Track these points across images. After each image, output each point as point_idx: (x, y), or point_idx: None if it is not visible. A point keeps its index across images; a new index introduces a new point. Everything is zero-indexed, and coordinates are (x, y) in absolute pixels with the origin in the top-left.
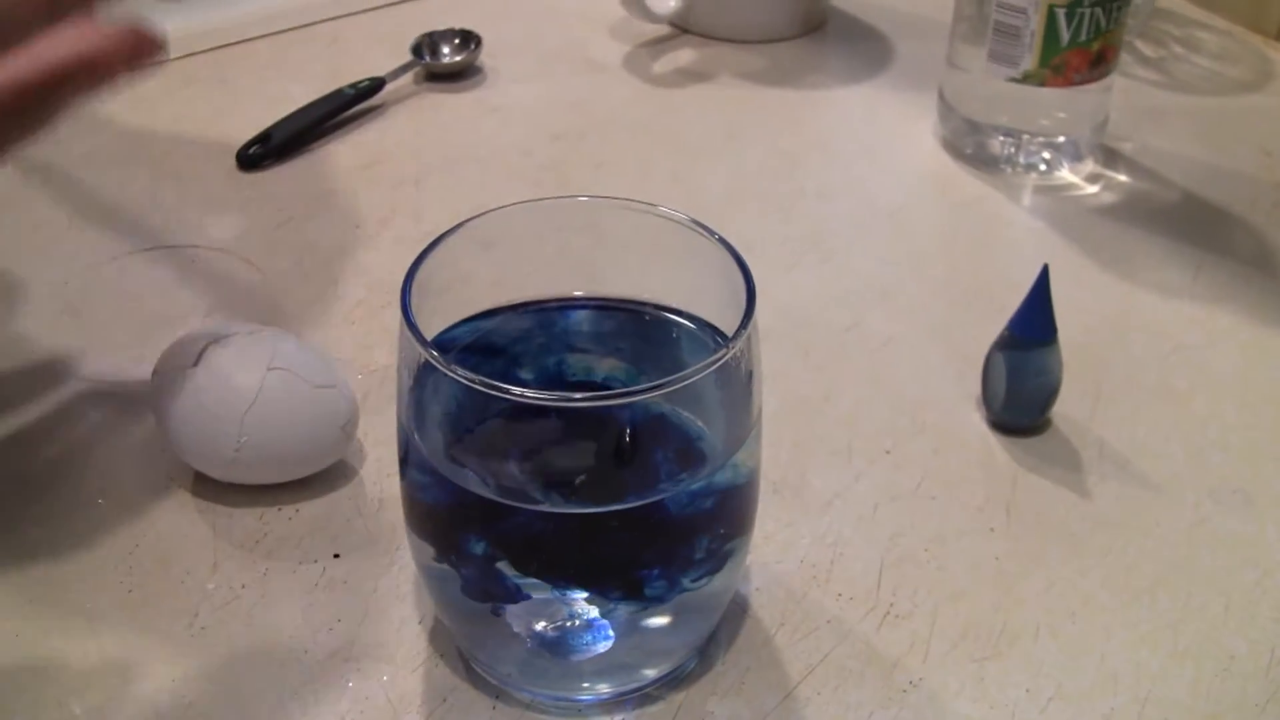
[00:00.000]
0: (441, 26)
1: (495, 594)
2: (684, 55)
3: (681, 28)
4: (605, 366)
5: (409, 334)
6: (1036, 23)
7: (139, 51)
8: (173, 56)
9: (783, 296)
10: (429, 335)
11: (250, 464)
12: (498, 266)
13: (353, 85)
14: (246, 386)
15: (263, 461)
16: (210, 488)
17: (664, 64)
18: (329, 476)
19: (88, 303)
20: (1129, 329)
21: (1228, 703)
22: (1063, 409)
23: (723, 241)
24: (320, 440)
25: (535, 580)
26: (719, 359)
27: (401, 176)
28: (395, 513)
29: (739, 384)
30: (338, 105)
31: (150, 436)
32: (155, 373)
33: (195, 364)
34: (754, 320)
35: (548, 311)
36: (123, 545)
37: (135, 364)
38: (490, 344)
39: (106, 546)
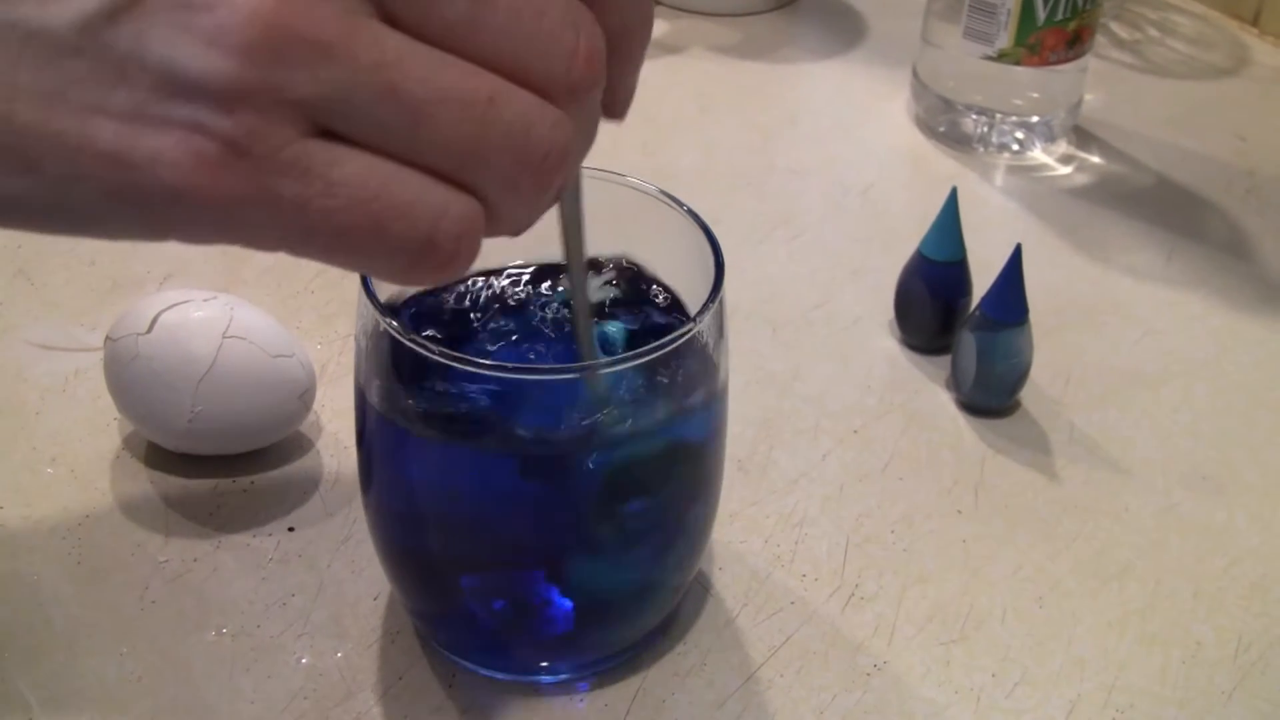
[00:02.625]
0: None
1: (453, 567)
2: (656, 27)
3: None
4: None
5: (367, 302)
6: (1013, 1)
7: None
8: None
9: (752, 273)
10: (388, 303)
11: (204, 434)
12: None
13: None
14: (201, 355)
15: (217, 432)
16: (163, 458)
17: None
18: (285, 448)
19: (41, 267)
20: (1100, 312)
21: (1195, 689)
22: (1033, 391)
23: (692, 214)
24: (277, 411)
25: (493, 552)
26: (686, 332)
27: None
28: (352, 486)
29: (705, 358)
30: None
31: (103, 404)
32: (108, 339)
33: (149, 331)
34: (722, 293)
35: (513, 276)
36: (72, 516)
37: (88, 330)
38: (452, 312)
39: (55, 517)
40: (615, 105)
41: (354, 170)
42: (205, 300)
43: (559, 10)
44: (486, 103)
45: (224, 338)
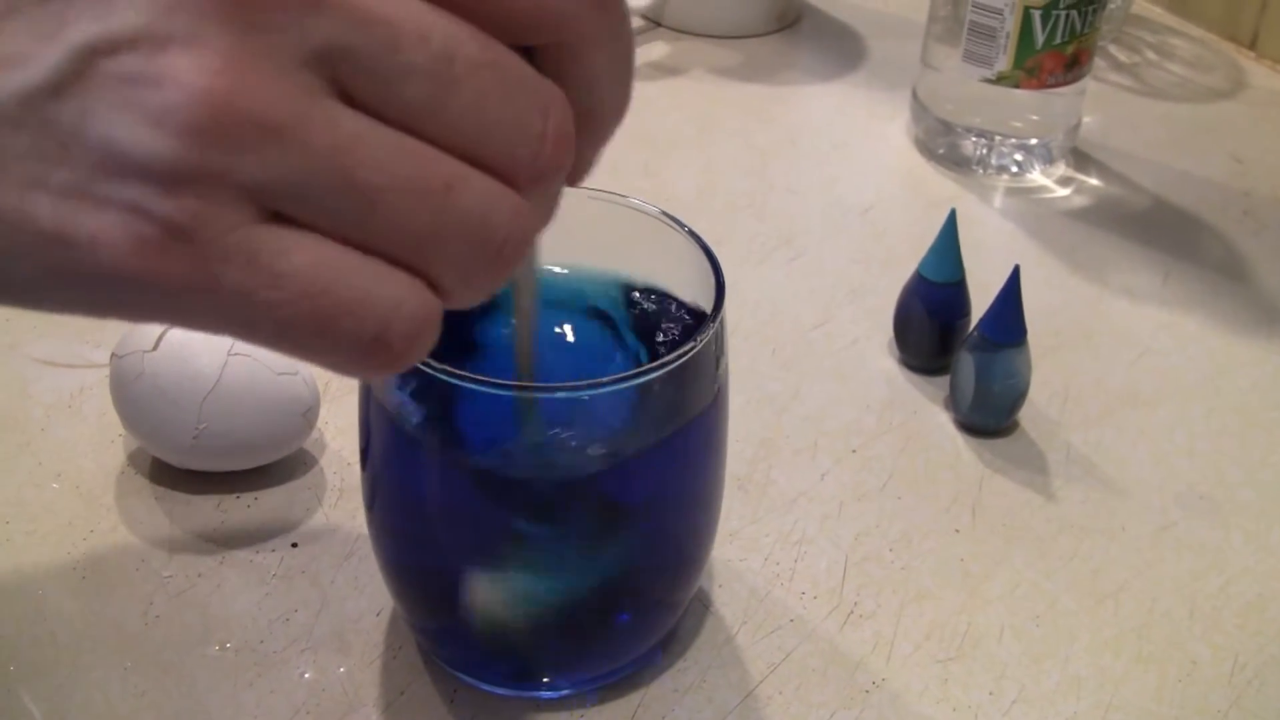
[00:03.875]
0: None
1: (455, 583)
2: (657, 49)
3: (655, 21)
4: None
5: None
6: (1012, 24)
7: None
8: None
9: (751, 293)
10: None
11: (209, 451)
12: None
13: None
14: (206, 372)
15: (222, 449)
16: (168, 474)
17: (637, 57)
18: (289, 465)
19: None
20: (1098, 333)
21: (1191, 709)
22: (1030, 411)
23: (693, 234)
24: (281, 428)
25: (497, 567)
26: (687, 352)
27: None
28: (355, 502)
29: (706, 377)
30: None
31: (108, 420)
32: (114, 356)
33: (154, 348)
34: (723, 313)
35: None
36: (77, 531)
37: (94, 347)
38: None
39: (60, 532)
40: (573, 177)
41: (302, 262)
42: None
43: (528, 94)
44: (444, 190)
45: (229, 355)
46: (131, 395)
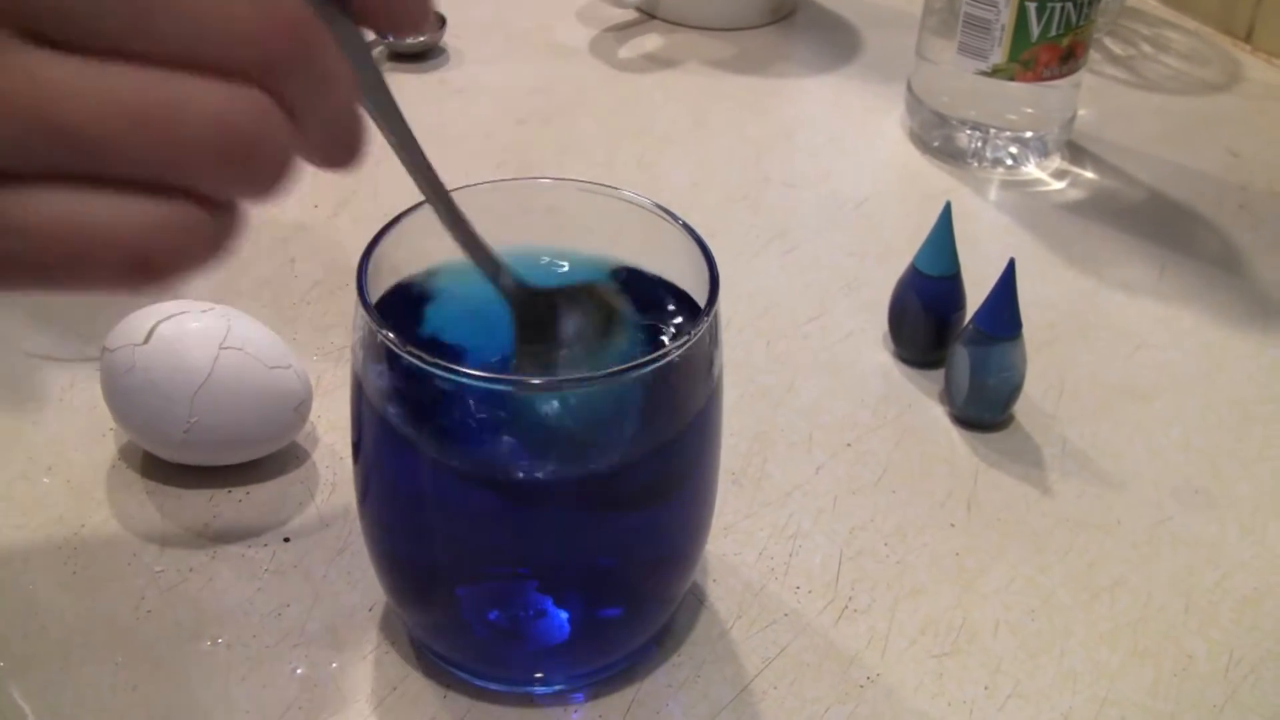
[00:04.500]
0: None
1: (448, 578)
2: (651, 41)
3: (649, 13)
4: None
5: (364, 314)
6: (1007, 16)
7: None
8: None
9: (746, 286)
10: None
11: (201, 445)
12: (457, 248)
13: None
14: (198, 365)
15: (214, 443)
16: (159, 468)
17: (631, 49)
18: (280, 459)
19: None
20: (1093, 326)
21: (1186, 703)
22: (1026, 405)
23: (686, 227)
24: (273, 422)
25: (488, 563)
26: (681, 345)
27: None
28: (347, 496)
29: (700, 371)
30: None
31: (99, 414)
32: (105, 350)
33: (146, 341)
34: (717, 306)
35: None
36: (68, 525)
37: (84, 341)
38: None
39: (51, 526)
40: (405, 21)
41: (45, 213)
42: (203, 311)
43: None
44: (167, 110)
45: (220, 349)
46: (122, 389)
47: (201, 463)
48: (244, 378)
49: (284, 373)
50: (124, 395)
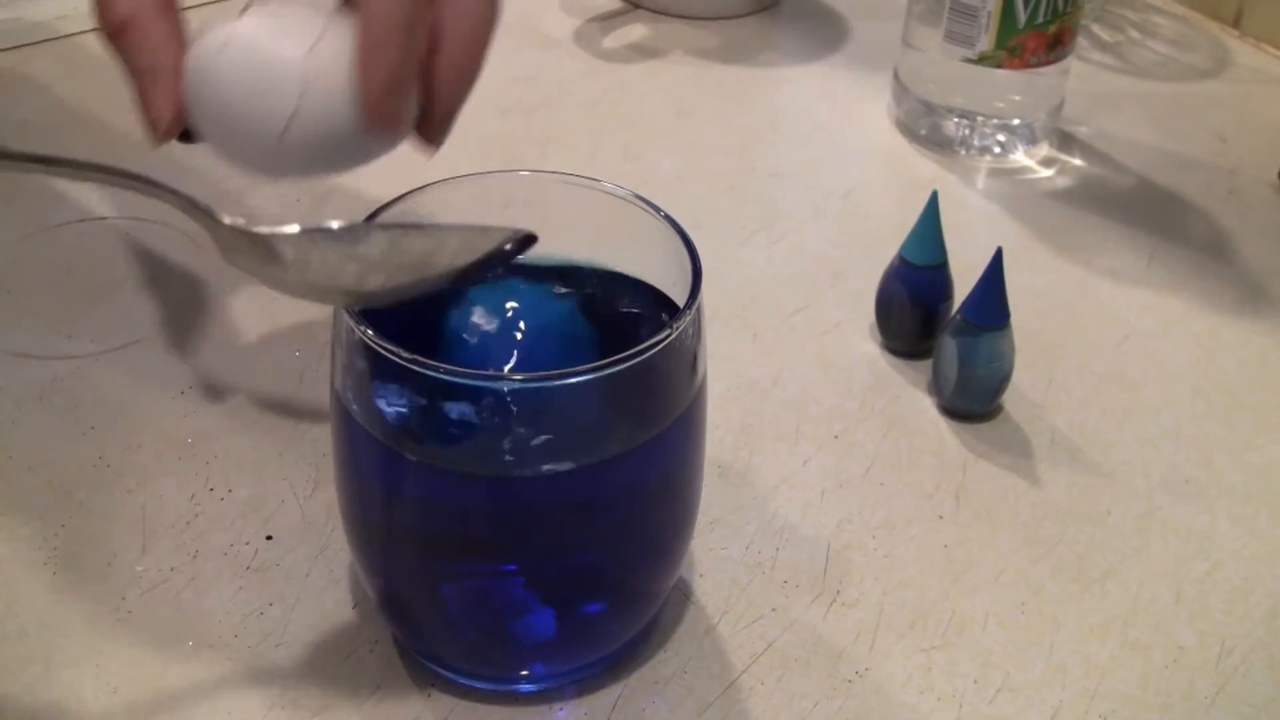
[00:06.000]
0: None
1: (432, 576)
2: (636, 31)
3: (633, 3)
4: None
5: (342, 310)
6: (993, 3)
7: None
8: None
9: (732, 277)
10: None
11: (304, 142)
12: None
13: None
14: (306, 32)
15: (322, 137)
16: (140, 467)
17: (615, 39)
18: (262, 455)
19: (17, 275)
20: (1082, 315)
21: (1177, 695)
22: (1014, 395)
23: (668, 218)
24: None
25: (475, 561)
26: (664, 339)
27: None
28: (330, 495)
29: (684, 364)
30: None
31: (80, 413)
32: (191, 54)
33: (242, 13)
34: (700, 299)
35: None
36: (48, 524)
37: (65, 338)
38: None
39: (31, 525)
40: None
41: None
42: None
43: None
44: None
45: (325, 27)
46: (212, 74)
47: (302, 168)
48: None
49: None
50: (214, 82)
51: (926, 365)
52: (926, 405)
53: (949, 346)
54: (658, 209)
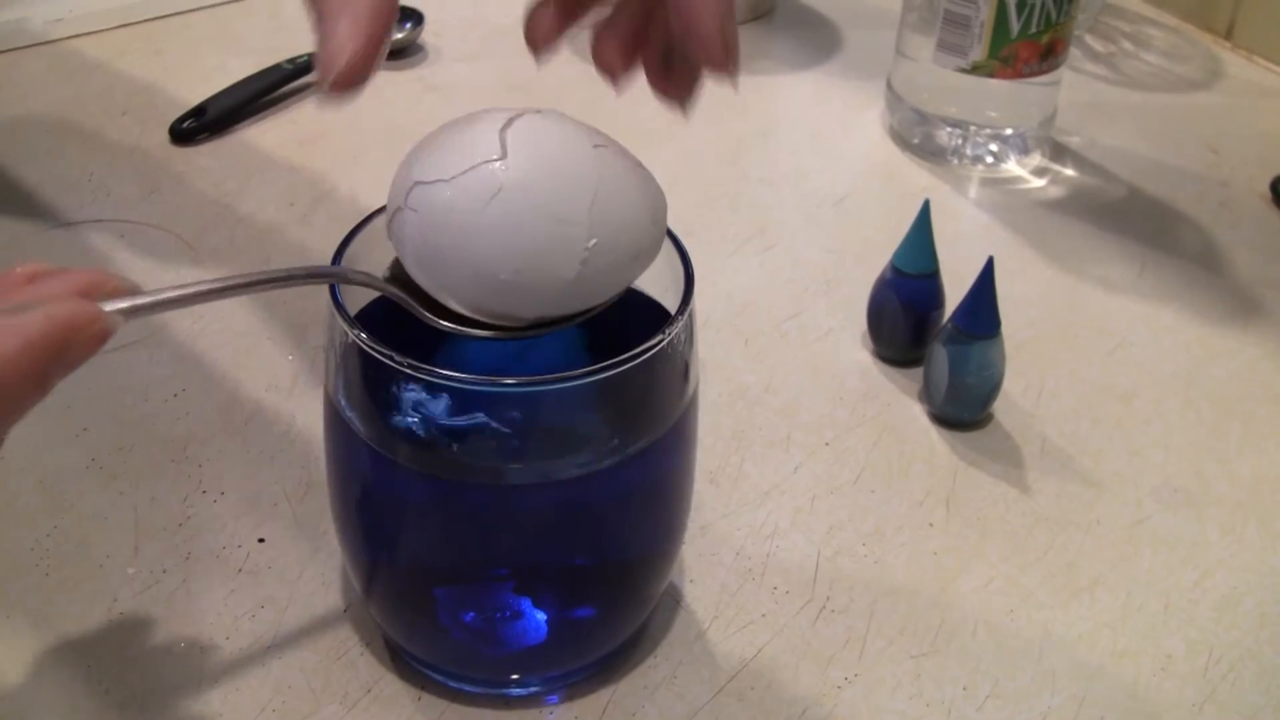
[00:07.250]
0: None
1: (423, 580)
2: None
3: None
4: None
5: (335, 312)
6: (987, 13)
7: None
8: (107, 27)
9: (724, 284)
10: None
11: (596, 274)
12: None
13: (291, 60)
14: (580, 172)
15: (608, 267)
16: (132, 468)
17: None
18: (254, 458)
19: None
20: (1073, 324)
21: (1165, 703)
22: (1005, 404)
23: None
24: (646, 232)
25: (464, 565)
26: (655, 345)
27: (338, 154)
28: (322, 498)
29: (675, 371)
30: (275, 80)
31: (72, 414)
32: (419, 185)
33: (504, 155)
34: (692, 306)
35: None
36: (40, 526)
37: None
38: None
39: (23, 527)
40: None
41: None
42: (535, 113)
43: None
44: None
45: (593, 146)
46: (477, 227)
47: (589, 303)
48: (622, 175)
49: (641, 170)
50: (485, 235)
51: (918, 373)
52: (917, 413)
53: (940, 355)
54: None
